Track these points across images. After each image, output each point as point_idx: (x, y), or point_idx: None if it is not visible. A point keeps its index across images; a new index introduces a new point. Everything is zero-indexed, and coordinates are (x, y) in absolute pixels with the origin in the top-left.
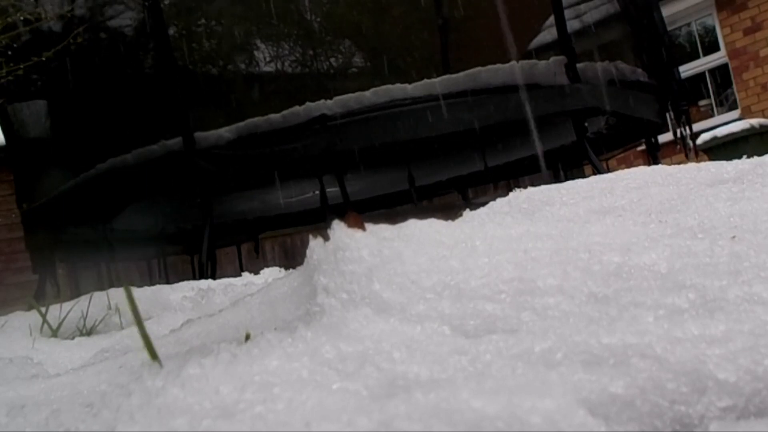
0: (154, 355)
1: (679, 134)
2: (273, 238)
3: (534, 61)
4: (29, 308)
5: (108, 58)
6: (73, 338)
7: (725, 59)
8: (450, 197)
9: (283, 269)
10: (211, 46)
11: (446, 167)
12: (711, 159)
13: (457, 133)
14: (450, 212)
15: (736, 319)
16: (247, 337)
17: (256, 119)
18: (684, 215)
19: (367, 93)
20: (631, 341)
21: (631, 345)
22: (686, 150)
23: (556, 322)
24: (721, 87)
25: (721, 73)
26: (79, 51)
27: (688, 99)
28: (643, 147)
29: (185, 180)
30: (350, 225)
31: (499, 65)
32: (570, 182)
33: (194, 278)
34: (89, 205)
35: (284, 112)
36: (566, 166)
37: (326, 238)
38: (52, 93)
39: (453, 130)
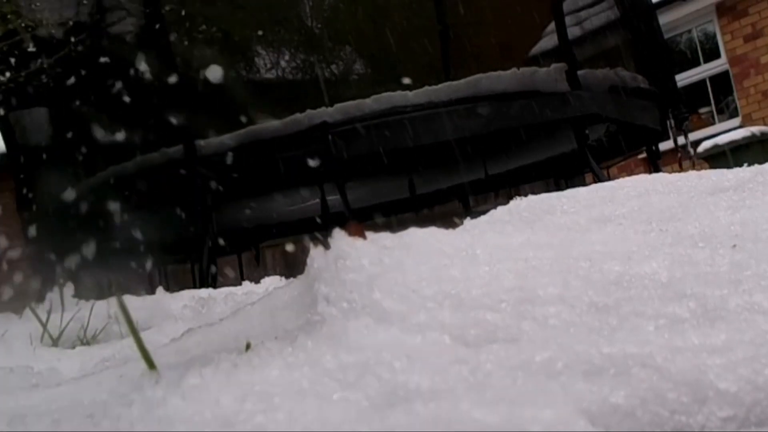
0: (152, 365)
1: (679, 142)
2: (274, 246)
3: (535, 68)
4: (30, 317)
5: (109, 65)
6: (73, 347)
7: (726, 66)
8: (451, 205)
9: (283, 278)
10: (212, 53)
11: (447, 175)
12: (712, 167)
13: (458, 141)
14: (451, 221)
15: (736, 329)
16: (248, 347)
17: (257, 126)
18: (685, 224)
19: (368, 100)
20: (632, 351)
21: (631, 355)
22: (684, 158)
23: (557, 331)
24: (721, 94)
25: (721, 81)
26: (80, 58)
27: (689, 107)
28: (644, 155)
29: (186, 188)
30: (351, 233)
31: (499, 72)
32: (571, 190)
33: (195, 287)
34: (90, 213)
35: (285, 120)
36: (567, 173)
37: (327, 246)
38: (53, 100)
39: (454, 137)
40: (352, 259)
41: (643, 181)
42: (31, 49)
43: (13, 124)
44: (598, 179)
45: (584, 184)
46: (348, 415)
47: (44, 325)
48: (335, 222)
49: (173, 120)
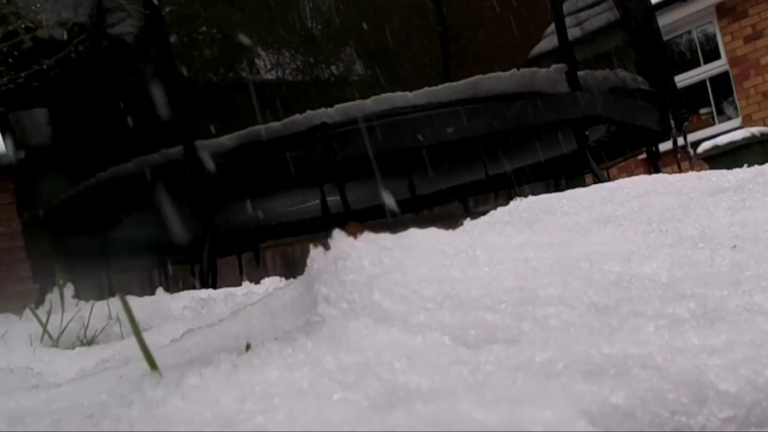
0: (153, 365)
1: (679, 143)
2: (274, 247)
3: (535, 69)
4: (30, 318)
5: (109, 66)
6: (73, 348)
7: (726, 67)
8: (451, 206)
9: (283, 279)
10: (212, 54)
11: (447, 176)
12: (712, 168)
13: (458, 142)
14: (451, 221)
15: (736, 330)
16: (248, 347)
17: (256, 127)
18: (685, 224)
19: (368, 101)
20: (632, 351)
21: (631, 355)
22: (683, 159)
23: (557, 332)
24: (721, 95)
25: (721, 81)
26: (79, 59)
27: (689, 107)
28: (644, 155)
29: (186, 188)
30: (351, 234)
31: (499, 73)
32: (571, 191)
33: (195, 288)
34: (90, 214)
35: (285, 120)
36: (567, 174)
37: (327, 247)
38: (53, 101)
39: (454, 138)
40: (352, 259)
41: (643, 182)
42: (32, 50)
43: (13, 124)
44: (598, 180)
45: (584, 185)
46: (348, 415)
47: (44, 326)
48: (335, 223)
49: (173, 121)
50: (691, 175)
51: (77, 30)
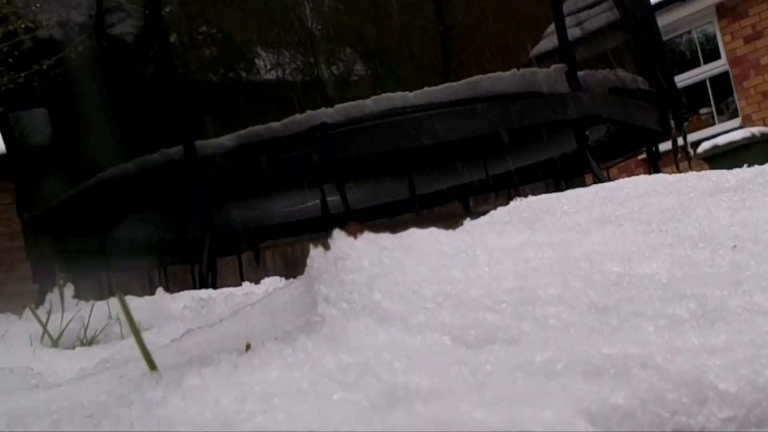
0: (153, 366)
1: (679, 143)
2: (274, 247)
3: (535, 69)
4: (30, 318)
5: (109, 66)
6: (73, 348)
7: (726, 67)
8: (451, 206)
9: (283, 279)
10: (212, 54)
11: (447, 176)
12: (711, 168)
13: (458, 142)
14: (451, 221)
15: (737, 330)
16: (248, 347)
17: (256, 127)
18: (685, 224)
19: (368, 101)
20: (632, 351)
21: (631, 355)
22: (682, 159)
23: (557, 332)
24: (721, 95)
25: (721, 81)
26: (79, 59)
27: (689, 107)
28: (644, 155)
29: (186, 188)
30: (351, 234)
31: (499, 73)
32: (571, 191)
33: (195, 288)
34: (90, 214)
35: (285, 120)
36: (567, 174)
37: (327, 247)
38: (53, 101)
39: (454, 138)
40: (352, 259)
41: (643, 181)
42: (31, 50)
43: (13, 124)
44: (598, 180)
45: (584, 185)
46: (348, 415)
47: (44, 326)
48: (335, 222)
49: (173, 121)
50: (691, 175)
51: (77, 30)
